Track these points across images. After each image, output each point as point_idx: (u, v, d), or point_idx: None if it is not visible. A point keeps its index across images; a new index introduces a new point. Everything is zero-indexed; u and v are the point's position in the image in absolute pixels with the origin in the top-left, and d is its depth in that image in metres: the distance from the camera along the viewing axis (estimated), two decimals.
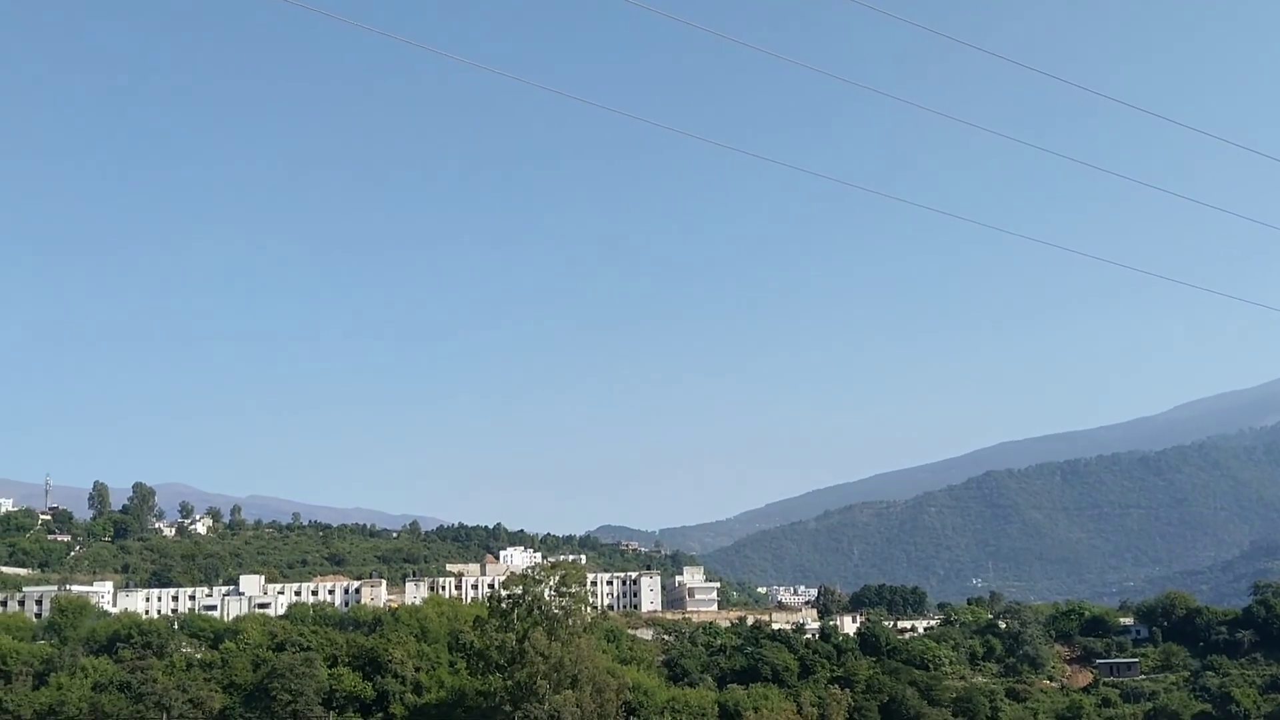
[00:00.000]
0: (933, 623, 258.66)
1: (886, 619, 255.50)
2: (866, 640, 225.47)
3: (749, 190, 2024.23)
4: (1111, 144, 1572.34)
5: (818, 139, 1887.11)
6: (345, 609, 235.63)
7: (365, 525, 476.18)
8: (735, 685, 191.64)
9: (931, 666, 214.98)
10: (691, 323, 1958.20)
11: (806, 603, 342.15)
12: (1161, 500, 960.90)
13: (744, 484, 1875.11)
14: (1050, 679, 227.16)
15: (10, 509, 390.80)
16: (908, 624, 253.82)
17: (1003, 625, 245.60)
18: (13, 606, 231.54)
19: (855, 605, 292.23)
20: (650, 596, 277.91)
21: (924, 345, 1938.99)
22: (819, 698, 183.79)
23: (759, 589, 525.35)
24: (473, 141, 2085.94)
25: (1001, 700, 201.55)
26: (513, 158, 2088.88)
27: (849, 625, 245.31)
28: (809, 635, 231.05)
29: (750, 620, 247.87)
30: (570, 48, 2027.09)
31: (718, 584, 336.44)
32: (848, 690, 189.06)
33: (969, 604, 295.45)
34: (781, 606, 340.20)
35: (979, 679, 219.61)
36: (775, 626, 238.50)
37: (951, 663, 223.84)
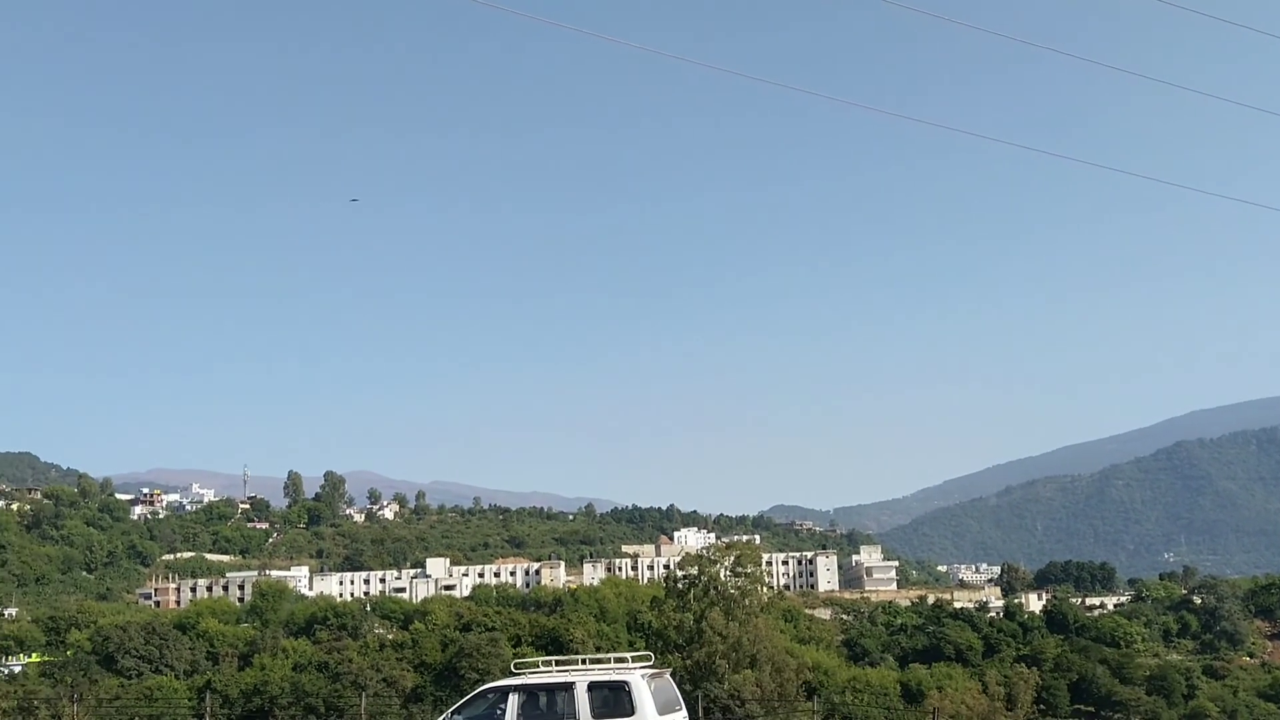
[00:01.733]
0: (1123, 599, 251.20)
1: (1074, 596, 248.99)
2: (1053, 618, 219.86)
3: (930, 158, 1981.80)
4: None
5: (1002, 97, 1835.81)
6: (526, 590, 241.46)
7: (542, 508, 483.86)
8: (917, 665, 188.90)
9: (1123, 644, 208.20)
10: (861, 292, 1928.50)
11: (989, 581, 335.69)
12: None
13: (920, 461, 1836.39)
14: (1250, 655, 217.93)
15: (212, 499, 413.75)
16: (1096, 601, 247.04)
17: (1198, 600, 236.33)
18: (217, 592, 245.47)
19: (1040, 583, 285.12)
20: (827, 576, 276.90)
21: (1109, 310, 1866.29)
22: (1005, 676, 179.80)
23: (939, 567, 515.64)
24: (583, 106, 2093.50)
25: (1198, 678, 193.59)
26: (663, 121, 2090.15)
27: (1034, 603, 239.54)
28: (993, 614, 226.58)
29: (931, 599, 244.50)
30: None
31: (896, 563, 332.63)
32: (1035, 669, 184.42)
33: (1161, 579, 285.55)
34: (963, 585, 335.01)
35: (1173, 656, 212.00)
36: (957, 605, 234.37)
37: (1144, 640, 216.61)
